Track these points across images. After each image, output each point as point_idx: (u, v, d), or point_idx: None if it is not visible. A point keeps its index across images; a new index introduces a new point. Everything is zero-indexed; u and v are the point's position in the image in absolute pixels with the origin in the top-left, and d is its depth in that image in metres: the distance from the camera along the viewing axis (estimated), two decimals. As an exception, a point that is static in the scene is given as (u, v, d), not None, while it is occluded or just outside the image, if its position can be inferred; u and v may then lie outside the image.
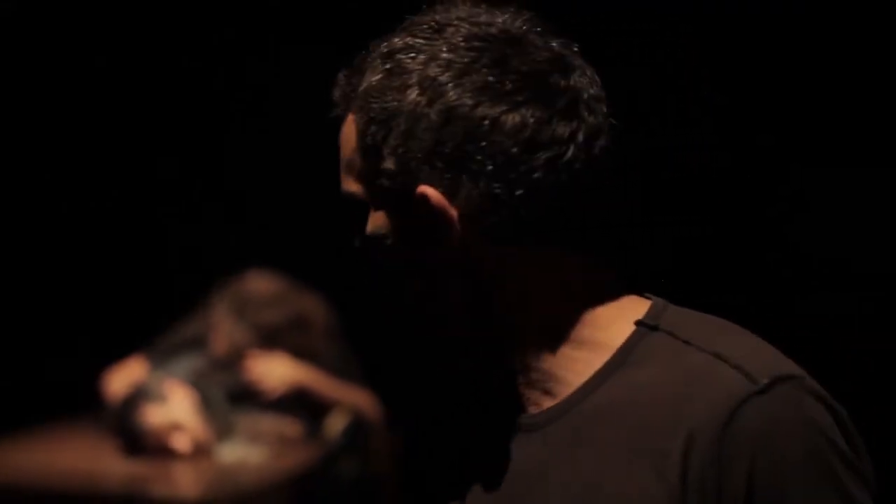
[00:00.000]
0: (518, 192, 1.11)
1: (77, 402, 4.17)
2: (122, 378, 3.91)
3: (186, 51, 4.80)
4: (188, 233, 4.86)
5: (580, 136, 1.12)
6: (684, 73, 3.72)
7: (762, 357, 1.12)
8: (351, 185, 1.20)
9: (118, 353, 4.06)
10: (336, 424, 3.73)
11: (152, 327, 4.10)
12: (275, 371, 3.87)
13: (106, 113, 4.91)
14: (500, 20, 1.15)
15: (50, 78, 4.90)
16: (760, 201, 3.82)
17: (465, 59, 1.12)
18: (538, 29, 1.16)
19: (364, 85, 1.16)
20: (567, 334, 1.17)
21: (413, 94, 1.12)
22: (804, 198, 3.83)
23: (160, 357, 3.99)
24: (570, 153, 1.12)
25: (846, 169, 3.69)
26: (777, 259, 3.75)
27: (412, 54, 1.14)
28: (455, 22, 1.14)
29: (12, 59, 4.85)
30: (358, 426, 3.74)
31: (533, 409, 1.18)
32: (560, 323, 1.17)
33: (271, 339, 3.91)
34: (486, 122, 1.11)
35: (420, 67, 1.13)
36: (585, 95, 1.14)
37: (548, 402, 1.17)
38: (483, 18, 1.15)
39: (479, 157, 1.11)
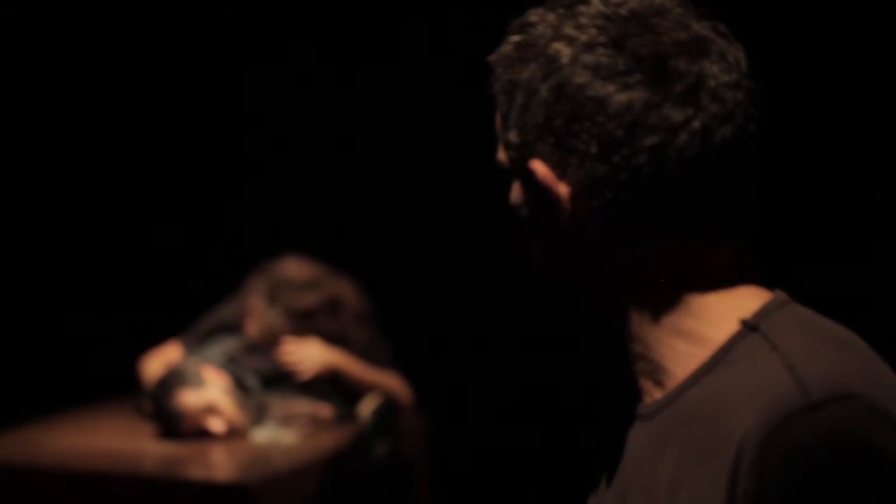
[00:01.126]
0: (621, 177, 1.09)
1: (114, 386, 4.22)
2: (159, 362, 3.95)
3: (232, 28, 4.82)
4: (224, 217, 4.89)
5: (695, 124, 1.08)
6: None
7: (839, 373, 1.04)
8: (499, 154, 1.18)
9: (154, 338, 4.10)
10: (367, 407, 3.72)
11: (188, 312, 4.14)
12: (308, 354, 3.88)
13: (145, 99, 4.95)
14: (636, 1, 1.12)
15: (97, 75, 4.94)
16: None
17: (585, 38, 1.10)
18: (680, 10, 1.12)
19: (498, 55, 1.16)
20: (675, 325, 1.13)
21: (532, 68, 1.11)
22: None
23: (196, 341, 4.03)
24: (680, 140, 1.08)
25: None
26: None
27: (541, 28, 1.12)
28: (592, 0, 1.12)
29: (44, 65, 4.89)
30: (389, 409, 3.73)
31: (647, 399, 1.16)
32: (669, 313, 1.13)
33: (305, 323, 3.93)
34: (593, 101, 1.08)
35: (544, 42, 1.11)
36: (712, 82, 1.09)
37: (657, 394, 1.15)
38: None
39: (584, 137, 1.09)
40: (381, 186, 4.63)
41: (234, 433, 3.71)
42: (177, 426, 3.68)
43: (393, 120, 4.63)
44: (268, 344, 3.91)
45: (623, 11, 1.10)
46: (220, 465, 3.64)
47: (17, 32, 4.86)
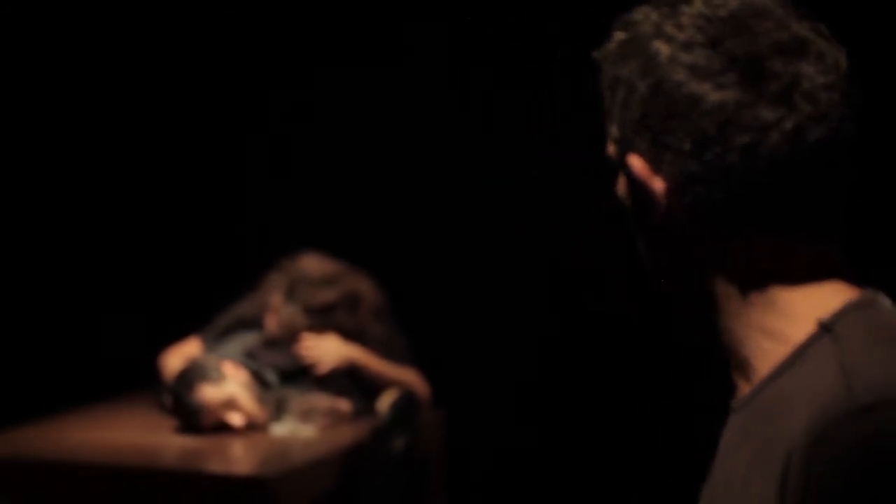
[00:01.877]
0: (712, 174, 1.10)
1: (135, 381, 4.24)
2: (179, 357, 3.96)
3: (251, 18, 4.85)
4: (243, 214, 4.91)
5: (787, 124, 1.09)
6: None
7: (893, 377, 1.04)
8: (608, 147, 1.21)
9: (174, 334, 4.12)
10: (385, 402, 3.73)
11: (207, 308, 4.16)
12: (326, 350, 3.90)
13: (167, 100, 4.98)
14: (734, 2, 1.13)
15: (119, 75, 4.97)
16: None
17: (683, 37, 1.12)
18: (781, 11, 1.13)
19: (603, 51, 1.20)
20: (760, 322, 1.14)
21: (633, 65, 1.14)
22: None
23: (215, 337, 4.05)
24: (772, 140, 1.09)
25: None
26: None
27: (643, 26, 1.15)
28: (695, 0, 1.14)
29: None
30: (406, 403, 3.74)
31: (739, 393, 1.17)
32: (754, 310, 1.14)
33: (323, 319, 3.95)
34: (688, 99, 1.10)
35: (645, 40, 1.14)
36: (807, 83, 1.09)
37: (745, 388, 1.16)
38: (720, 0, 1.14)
39: (679, 134, 1.11)
40: (399, 183, 4.64)
41: (253, 427, 3.72)
42: (196, 420, 3.69)
43: (409, 116, 4.64)
44: (286, 340, 3.93)
45: (723, 12, 1.12)
46: (239, 458, 3.66)
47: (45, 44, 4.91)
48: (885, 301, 1.14)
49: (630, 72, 1.14)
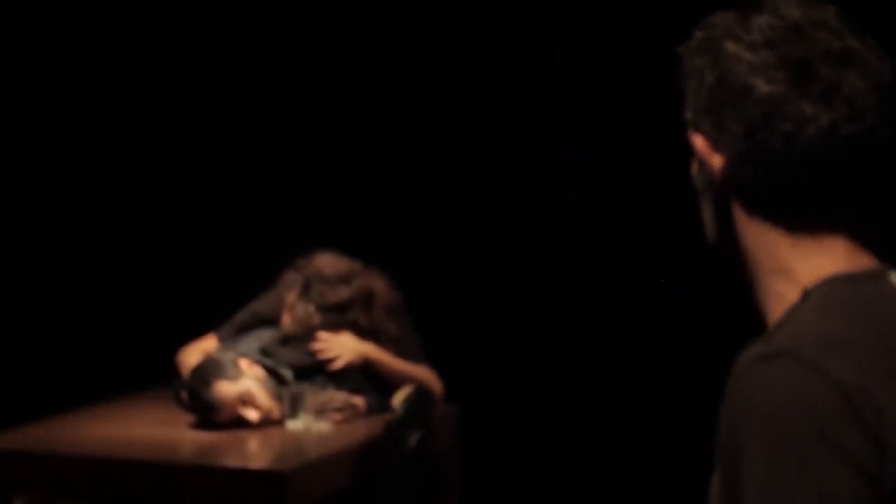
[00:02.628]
0: (757, 156, 1.28)
1: (153, 377, 4.27)
2: (197, 354, 3.99)
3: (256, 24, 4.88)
4: (259, 212, 4.93)
5: (824, 119, 1.25)
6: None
7: (808, 337, 1.20)
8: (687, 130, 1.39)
9: (192, 331, 4.15)
10: (399, 398, 3.74)
11: (225, 305, 4.18)
12: (341, 347, 3.92)
13: (179, 95, 5.02)
14: (798, 13, 1.30)
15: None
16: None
17: (749, 39, 1.30)
18: (837, 25, 1.30)
19: (685, 47, 1.38)
20: (776, 287, 1.31)
21: (706, 59, 1.33)
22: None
23: (232, 334, 4.07)
24: (809, 131, 1.26)
25: None
26: None
27: (718, 28, 1.34)
28: (767, 9, 1.32)
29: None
30: (420, 400, 3.75)
31: None
32: (773, 278, 1.31)
33: (338, 316, 3.97)
34: (744, 89, 1.28)
35: (718, 39, 1.33)
36: (847, 88, 1.26)
37: None
38: (787, 11, 1.31)
39: (734, 118, 1.29)
40: (412, 182, 4.67)
41: (269, 423, 3.74)
42: (213, 416, 3.72)
43: (410, 116, 4.67)
44: (302, 337, 3.95)
45: (785, 22, 1.30)
46: (255, 453, 3.67)
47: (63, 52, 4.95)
48: (890, 278, 1.28)
49: (703, 65, 1.33)
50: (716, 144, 1.32)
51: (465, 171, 4.60)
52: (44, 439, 3.68)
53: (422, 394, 3.80)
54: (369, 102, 4.72)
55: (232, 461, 3.55)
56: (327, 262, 4.06)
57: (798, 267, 1.29)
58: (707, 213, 1.37)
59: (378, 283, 4.06)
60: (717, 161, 1.32)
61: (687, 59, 1.36)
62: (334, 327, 3.97)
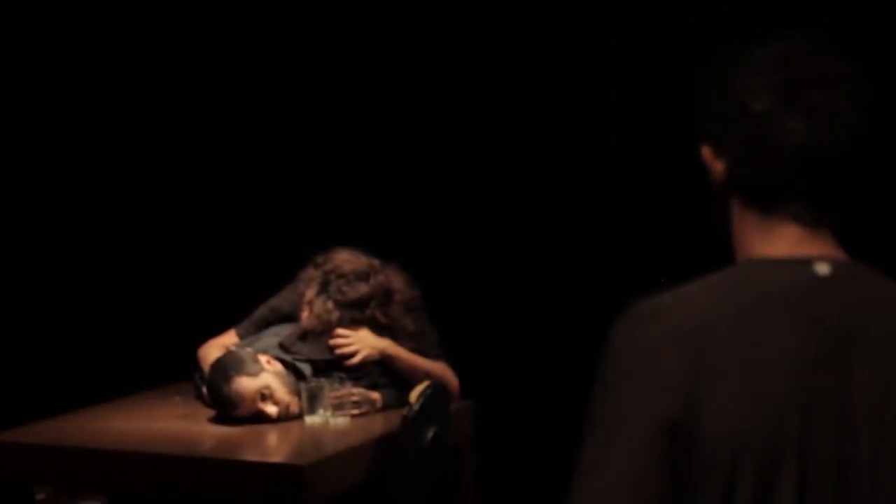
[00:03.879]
0: (748, 163, 1.51)
1: (174, 372, 4.30)
2: (217, 349, 4.01)
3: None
4: (280, 210, 4.95)
5: (803, 131, 1.47)
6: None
7: (660, 301, 1.46)
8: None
9: (212, 327, 4.18)
10: (416, 394, 3.74)
11: (245, 301, 4.22)
12: (359, 342, 3.94)
13: (199, 92, 5.06)
14: (788, 44, 1.52)
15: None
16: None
17: (745, 68, 1.52)
18: (825, 53, 1.50)
19: (697, 71, 1.60)
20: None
21: (712, 80, 1.55)
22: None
23: (251, 330, 4.11)
24: (792, 141, 1.47)
25: None
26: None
27: (725, 56, 1.55)
28: (764, 41, 1.53)
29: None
30: (436, 395, 3.76)
31: None
32: (746, 262, 1.53)
33: (356, 313, 3.98)
34: (738, 105, 1.50)
35: (723, 64, 1.55)
36: (824, 107, 1.47)
37: None
38: (779, 42, 1.53)
39: (731, 130, 1.52)
40: (430, 180, 4.68)
41: (288, 418, 3.77)
42: (233, 410, 3.74)
43: (410, 115, 4.69)
44: (320, 333, 3.97)
45: (777, 52, 1.51)
46: (274, 447, 3.69)
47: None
48: (813, 267, 1.47)
49: (709, 84, 1.55)
50: (718, 153, 1.53)
51: (482, 169, 4.61)
52: (67, 433, 3.71)
53: (438, 390, 3.81)
54: (369, 102, 4.73)
55: (251, 455, 3.57)
56: (346, 258, 4.07)
57: (759, 251, 1.51)
58: (718, 213, 1.57)
59: (396, 280, 4.07)
60: (718, 167, 1.54)
61: (697, 83, 1.56)
62: (352, 323, 3.98)
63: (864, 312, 1.44)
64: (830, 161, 1.48)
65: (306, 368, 3.92)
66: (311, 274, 4.07)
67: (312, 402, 3.79)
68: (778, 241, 1.50)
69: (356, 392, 3.88)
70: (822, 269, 1.47)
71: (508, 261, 4.55)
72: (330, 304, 3.99)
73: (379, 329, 4.00)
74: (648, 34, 4.27)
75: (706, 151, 1.55)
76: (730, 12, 3.87)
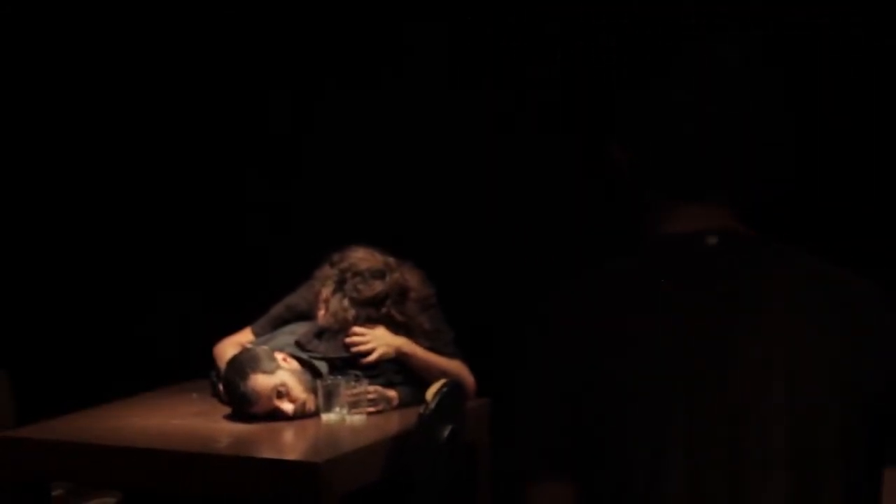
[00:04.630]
0: (645, 154, 1.66)
1: (191, 370, 4.32)
2: (233, 347, 4.03)
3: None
4: (295, 208, 4.97)
5: (690, 130, 1.62)
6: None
7: (574, 284, 1.68)
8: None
9: (229, 324, 4.20)
10: (432, 392, 3.75)
11: (261, 299, 4.22)
12: (375, 340, 3.94)
13: (209, 91, 5.07)
14: (695, 60, 1.66)
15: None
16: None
17: (654, 81, 1.67)
18: (722, 66, 1.65)
19: (617, 85, 1.73)
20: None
21: (623, 93, 1.70)
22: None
23: (268, 328, 4.12)
24: (683, 131, 1.62)
25: None
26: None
27: (639, 74, 1.70)
28: (677, 57, 1.68)
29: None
30: (452, 393, 3.77)
31: None
32: (649, 240, 1.68)
33: (372, 311, 3.99)
34: (645, 112, 1.66)
35: (635, 81, 1.69)
36: (716, 97, 1.62)
37: None
38: (687, 58, 1.67)
39: (637, 126, 1.67)
40: (445, 179, 4.68)
41: (304, 415, 3.78)
42: (249, 408, 3.76)
43: (411, 115, 4.70)
44: (337, 330, 3.98)
45: (681, 67, 1.66)
46: (290, 445, 3.71)
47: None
48: (704, 239, 1.63)
49: (621, 97, 1.70)
50: (626, 148, 1.68)
51: (497, 167, 4.61)
52: (83, 430, 3.73)
53: (454, 387, 3.81)
54: (370, 101, 4.74)
55: (267, 452, 3.58)
56: (362, 256, 4.07)
57: (660, 230, 1.66)
58: (630, 203, 1.71)
59: (412, 278, 4.07)
60: (626, 159, 1.69)
61: (617, 96, 1.70)
62: (368, 321, 3.99)
63: (748, 275, 1.60)
64: (723, 148, 1.62)
65: (322, 366, 3.92)
66: (327, 272, 4.07)
67: (328, 400, 3.80)
68: (676, 221, 1.65)
69: (372, 390, 3.88)
70: (712, 240, 1.62)
71: (527, 259, 4.55)
72: (346, 302, 3.99)
73: (395, 327, 4.01)
74: (648, 34, 4.26)
75: (617, 149, 1.69)
76: (730, 12, 3.86)
